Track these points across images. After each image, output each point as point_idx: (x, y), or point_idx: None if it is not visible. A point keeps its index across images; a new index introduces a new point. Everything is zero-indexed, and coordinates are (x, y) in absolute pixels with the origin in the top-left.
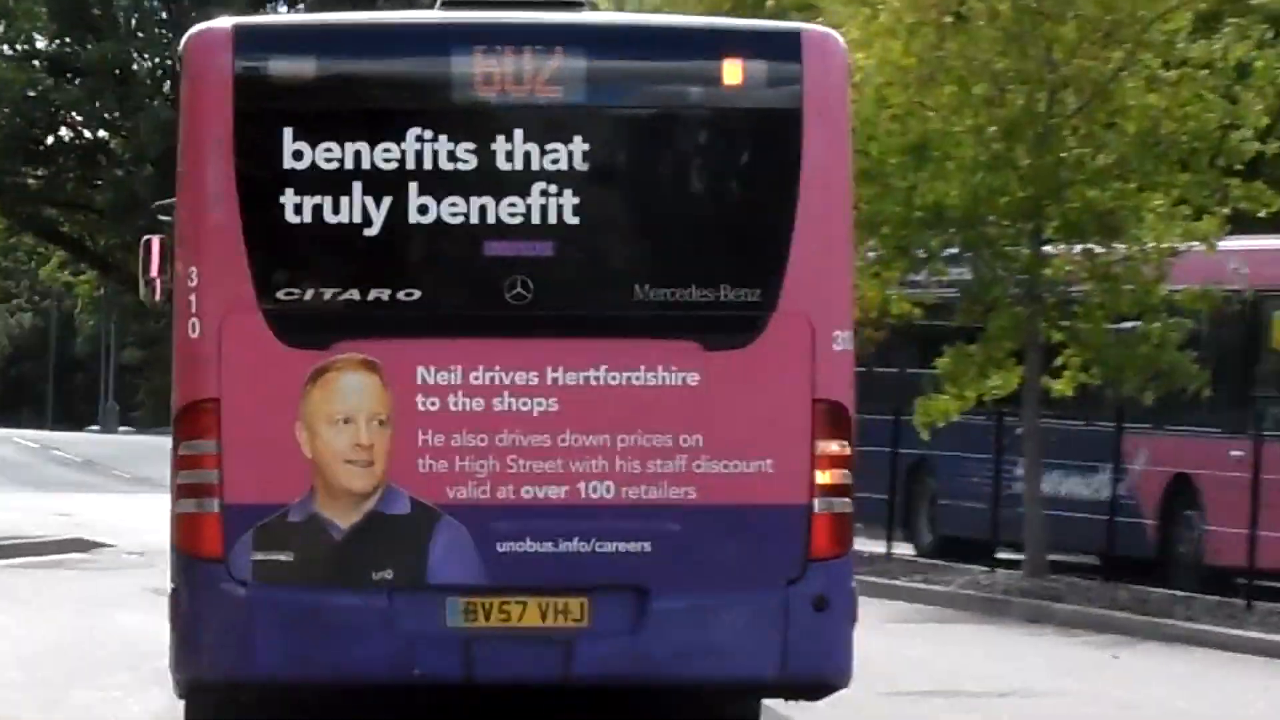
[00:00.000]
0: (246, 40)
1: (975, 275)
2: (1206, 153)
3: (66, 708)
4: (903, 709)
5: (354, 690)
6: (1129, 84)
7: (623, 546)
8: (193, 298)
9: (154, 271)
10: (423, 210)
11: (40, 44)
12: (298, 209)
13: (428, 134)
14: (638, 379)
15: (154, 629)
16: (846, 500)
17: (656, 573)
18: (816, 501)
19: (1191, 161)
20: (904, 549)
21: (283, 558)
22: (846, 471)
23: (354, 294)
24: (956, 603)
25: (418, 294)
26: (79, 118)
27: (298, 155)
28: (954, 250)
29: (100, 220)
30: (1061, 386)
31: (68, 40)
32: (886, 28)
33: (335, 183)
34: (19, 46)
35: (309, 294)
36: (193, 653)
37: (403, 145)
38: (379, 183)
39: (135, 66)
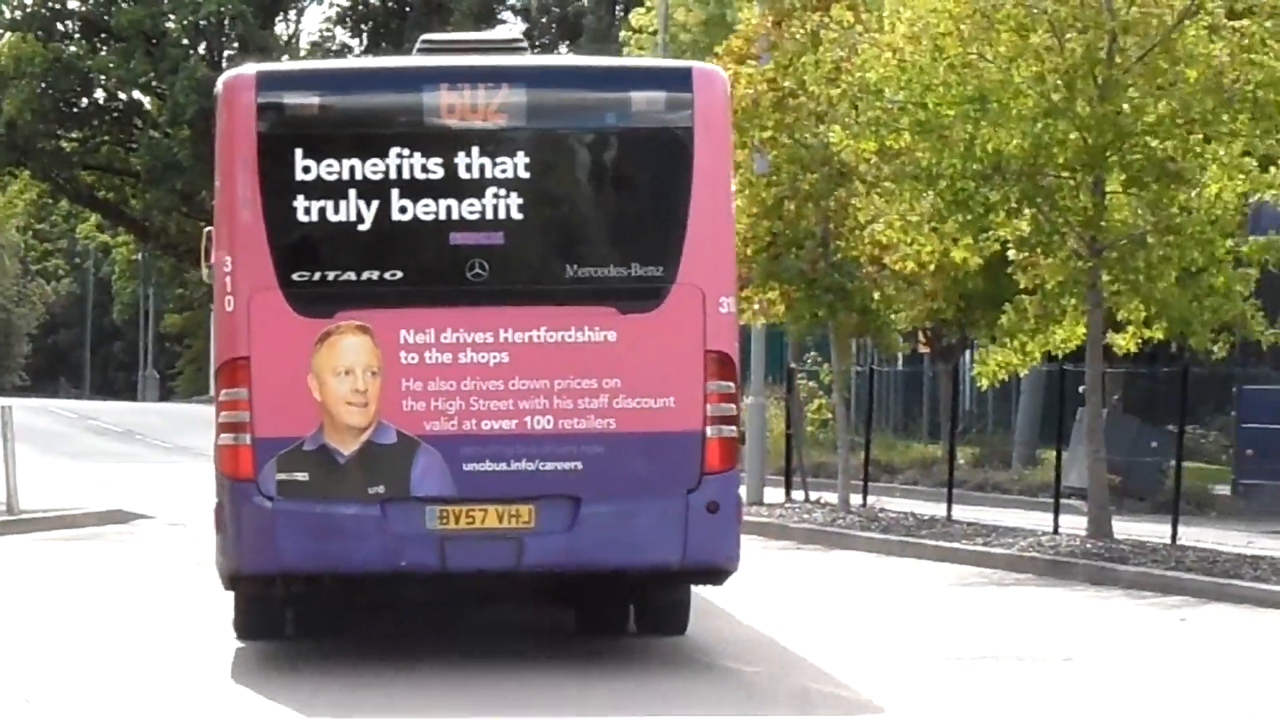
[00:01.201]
0: (266, 82)
1: (1034, 227)
2: (1272, 101)
3: (108, 690)
4: (965, 674)
5: (355, 579)
6: (1191, 31)
7: (560, 465)
8: (228, 279)
9: (214, 258)
10: (402, 210)
11: (72, 4)
12: (307, 210)
13: (405, 151)
14: (569, 336)
15: (201, 602)
16: (732, 428)
17: (586, 485)
18: (708, 429)
19: (1257, 110)
20: None
21: (299, 477)
22: (731, 405)
23: (351, 275)
24: (1019, 565)
25: (400, 274)
26: (112, 81)
27: (306, 169)
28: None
29: (137, 184)
30: (1125, 342)
31: (99, 1)
32: None
33: (335, 190)
34: (50, 5)
35: (316, 275)
36: (232, 551)
37: (386, 160)
38: (368, 189)
39: (168, 27)
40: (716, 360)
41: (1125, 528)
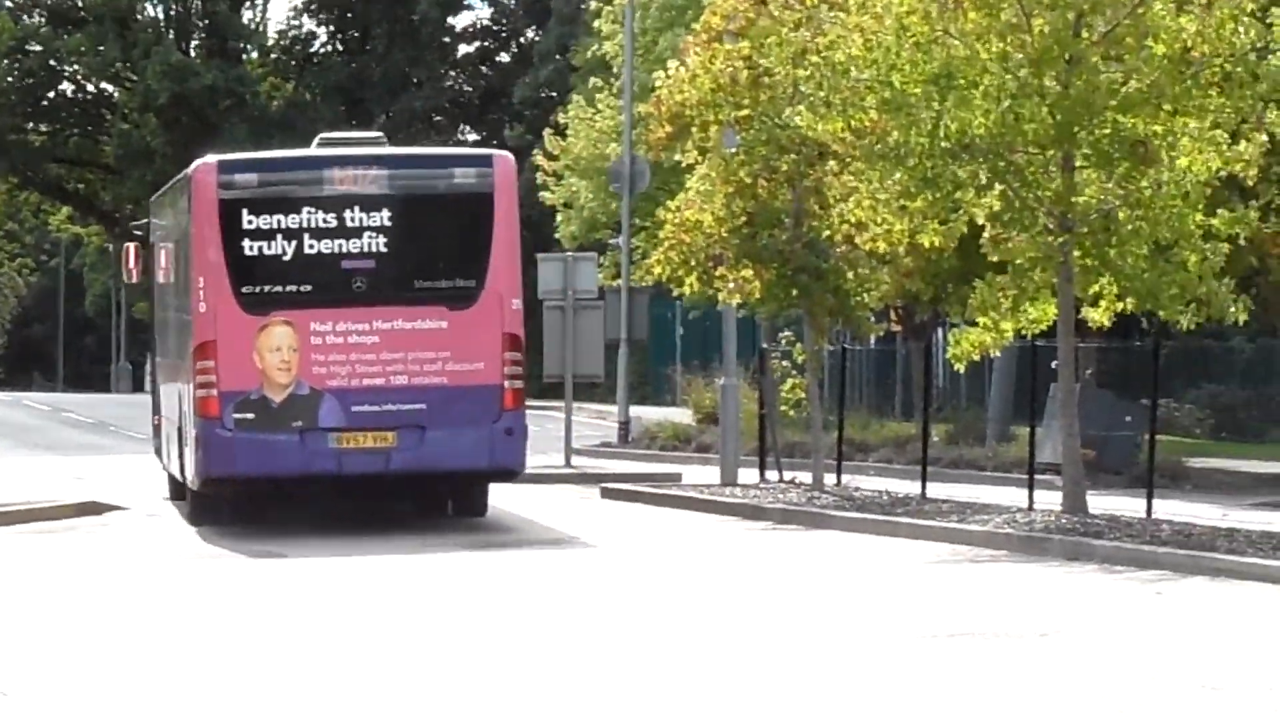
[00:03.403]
0: (224, 167)
1: (1004, 205)
2: (1241, 76)
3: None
4: (941, 651)
5: (283, 479)
6: (1157, 6)
7: (411, 406)
8: (201, 292)
9: (131, 265)
10: (311, 246)
11: None
12: (250, 248)
13: (313, 209)
14: (417, 325)
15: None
16: (519, 382)
17: (429, 418)
18: (505, 383)
19: (1225, 85)
20: None
21: (248, 416)
22: (519, 368)
23: (279, 288)
24: (994, 542)
25: (310, 287)
26: (80, 69)
27: (249, 222)
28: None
29: (107, 175)
30: (1099, 316)
31: None
32: None
33: (268, 235)
34: None
35: (257, 289)
36: (204, 463)
37: (300, 215)
38: (290, 234)
39: (139, 16)
40: (509, 339)
41: (1100, 502)
